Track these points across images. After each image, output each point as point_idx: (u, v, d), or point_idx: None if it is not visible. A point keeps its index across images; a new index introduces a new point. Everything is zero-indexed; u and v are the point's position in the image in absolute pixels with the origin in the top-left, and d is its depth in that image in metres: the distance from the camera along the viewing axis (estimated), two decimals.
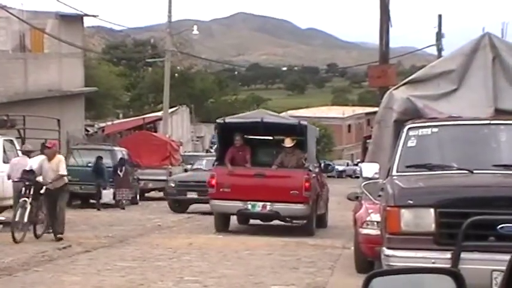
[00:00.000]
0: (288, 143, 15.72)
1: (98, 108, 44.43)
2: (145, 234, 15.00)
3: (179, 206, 21.01)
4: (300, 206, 15.19)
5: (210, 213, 17.85)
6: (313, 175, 16.00)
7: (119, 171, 22.78)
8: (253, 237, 14.67)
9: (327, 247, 13.30)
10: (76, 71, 30.67)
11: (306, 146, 15.88)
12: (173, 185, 21.03)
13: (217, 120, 16.53)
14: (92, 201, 22.77)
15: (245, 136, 16.22)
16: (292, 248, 13.12)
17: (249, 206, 15.36)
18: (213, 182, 15.53)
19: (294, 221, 16.44)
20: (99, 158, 22.81)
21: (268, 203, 15.25)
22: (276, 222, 16.47)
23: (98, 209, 21.56)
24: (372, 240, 9.01)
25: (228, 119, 16.56)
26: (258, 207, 15.33)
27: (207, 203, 20.38)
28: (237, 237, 14.66)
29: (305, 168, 15.58)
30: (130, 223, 17.41)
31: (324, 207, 17.42)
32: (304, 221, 15.89)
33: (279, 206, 15.24)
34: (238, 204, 15.30)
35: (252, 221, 17.31)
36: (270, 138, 16.89)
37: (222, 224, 15.96)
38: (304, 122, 16.42)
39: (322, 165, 18.35)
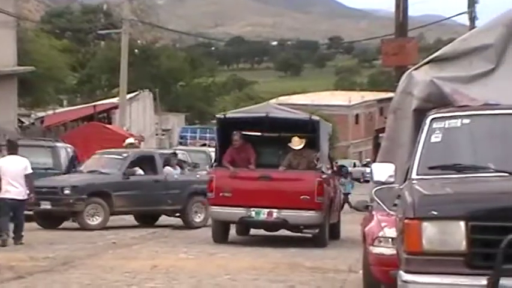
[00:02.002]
0: (296, 144, 16.93)
1: (36, 93, 44.27)
2: (96, 255, 14.95)
3: (45, 219, 20.17)
4: (311, 213, 16.35)
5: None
6: (326, 177, 17.09)
7: None
8: (234, 258, 14.69)
9: (329, 270, 13.32)
10: (6, 45, 30.51)
11: (318, 144, 17.04)
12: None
13: (217, 116, 18.16)
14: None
15: (248, 134, 17.65)
16: (284, 271, 13.12)
17: (253, 213, 16.59)
18: (212, 185, 16.81)
19: (305, 231, 17.37)
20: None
21: (275, 210, 16.47)
22: (282, 231, 17.56)
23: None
24: (385, 262, 9.01)
25: (229, 114, 18.19)
26: (263, 214, 16.57)
27: (66, 217, 20.27)
28: (214, 258, 14.68)
29: (317, 170, 16.72)
30: (76, 240, 17.35)
31: (337, 216, 18.55)
32: (316, 231, 16.89)
33: (287, 213, 16.44)
34: (241, 211, 16.54)
35: (253, 231, 18.30)
36: (276, 135, 18.10)
37: (221, 234, 17.12)
38: (316, 118, 17.68)
39: (335, 166, 19.47)
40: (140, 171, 20.87)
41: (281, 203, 16.34)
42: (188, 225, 20.93)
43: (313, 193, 16.25)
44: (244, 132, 17.58)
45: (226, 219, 16.89)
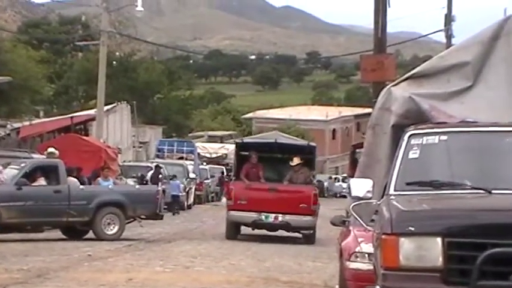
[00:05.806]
0: (295, 162, 21.51)
1: (12, 103, 44.05)
2: (71, 267, 14.87)
3: None
4: (308, 218, 21.14)
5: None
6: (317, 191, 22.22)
7: None
8: (210, 271, 14.71)
9: (305, 285, 13.34)
10: None
11: (314, 164, 22.80)
12: None
13: (236, 140, 25.35)
14: None
15: (259, 154, 22.15)
16: (260, 285, 13.13)
17: (263, 217, 21.35)
18: (231, 195, 21.66)
19: (301, 231, 21.99)
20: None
21: (280, 215, 21.19)
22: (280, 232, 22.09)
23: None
24: (362, 277, 9.05)
25: (246, 139, 25.11)
26: (271, 218, 21.32)
27: None
28: (190, 271, 14.67)
29: (313, 185, 22.44)
30: (51, 252, 17.24)
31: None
32: (311, 232, 21.62)
33: (289, 218, 21.15)
34: (253, 215, 21.29)
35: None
36: (280, 156, 23.00)
37: (234, 232, 21.81)
38: (313, 144, 23.47)
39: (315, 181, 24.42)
40: (43, 182, 20.11)
41: (285, 210, 20.98)
42: (99, 237, 20.18)
43: (310, 202, 21.10)
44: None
45: (242, 222, 21.65)
